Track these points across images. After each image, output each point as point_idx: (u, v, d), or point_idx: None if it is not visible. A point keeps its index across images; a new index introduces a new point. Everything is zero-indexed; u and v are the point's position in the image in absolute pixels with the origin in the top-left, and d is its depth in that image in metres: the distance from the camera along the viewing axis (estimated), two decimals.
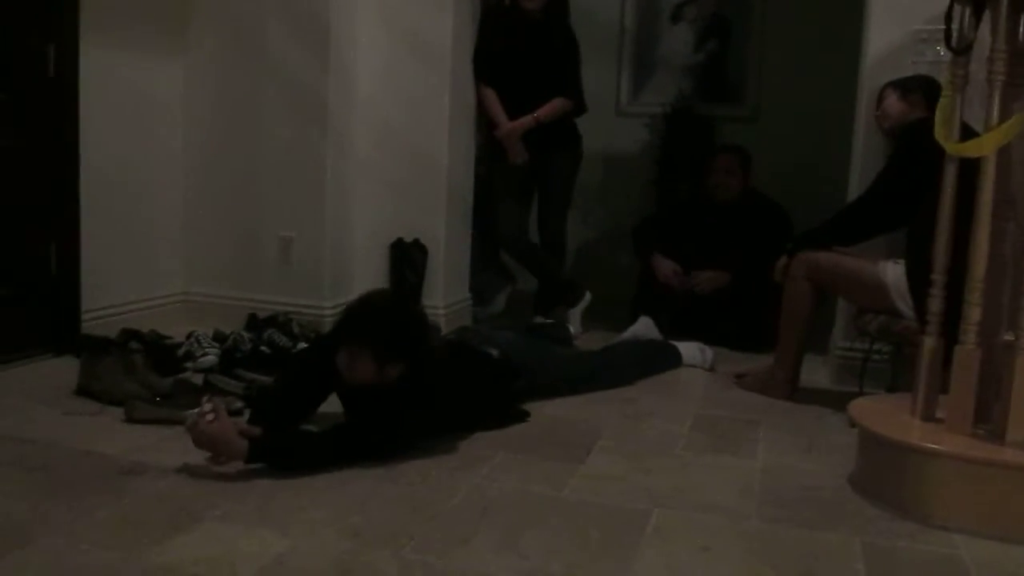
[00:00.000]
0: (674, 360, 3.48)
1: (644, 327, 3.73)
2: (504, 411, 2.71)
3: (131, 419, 2.55)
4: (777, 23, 4.96)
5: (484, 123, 4.04)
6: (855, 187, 3.26)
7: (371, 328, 2.37)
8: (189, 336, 3.15)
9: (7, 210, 3.09)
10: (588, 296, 4.10)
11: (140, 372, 2.74)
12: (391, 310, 2.51)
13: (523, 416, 2.74)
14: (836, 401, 2.99)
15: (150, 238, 3.71)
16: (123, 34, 3.45)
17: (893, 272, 2.81)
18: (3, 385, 2.91)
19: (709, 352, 3.53)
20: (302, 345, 3.18)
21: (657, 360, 3.43)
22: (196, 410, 2.17)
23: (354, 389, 2.43)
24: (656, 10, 5.28)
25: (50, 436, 2.43)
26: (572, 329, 3.75)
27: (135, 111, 3.57)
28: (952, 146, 2.21)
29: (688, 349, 3.51)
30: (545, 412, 2.83)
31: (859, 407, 2.40)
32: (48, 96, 3.17)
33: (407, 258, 3.73)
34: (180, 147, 3.81)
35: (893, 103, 3.00)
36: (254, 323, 3.33)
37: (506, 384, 2.74)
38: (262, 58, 3.68)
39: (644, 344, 3.59)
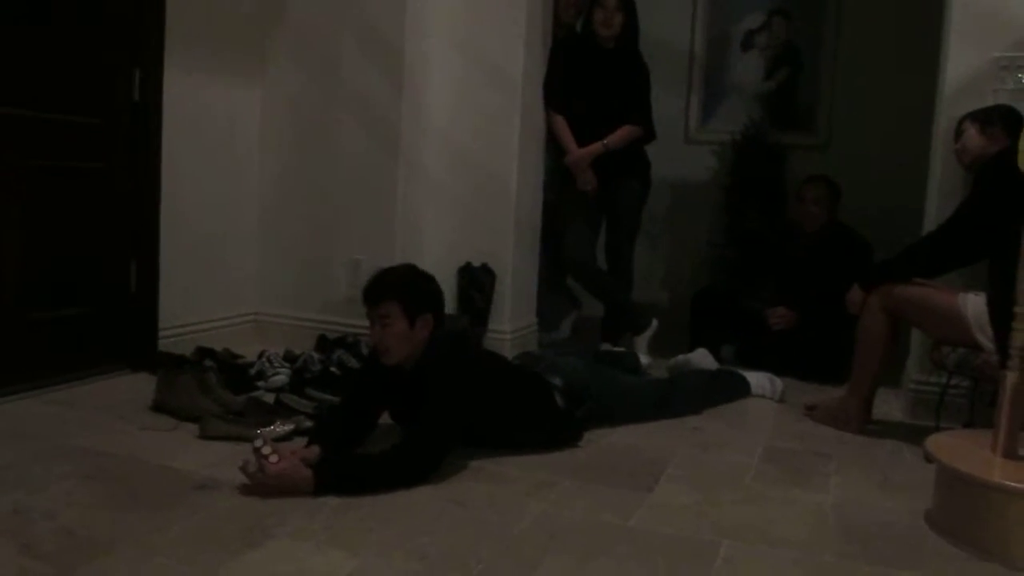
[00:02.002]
0: (742, 390, 3.43)
1: (699, 358, 3.70)
2: (557, 432, 2.69)
3: (205, 435, 2.60)
4: (849, 50, 4.90)
5: (554, 149, 4.05)
6: (931, 218, 3.19)
7: (391, 283, 2.44)
8: (261, 355, 3.21)
9: (91, 229, 3.20)
10: (655, 324, 4.07)
11: (214, 390, 2.79)
12: (402, 267, 2.57)
13: (575, 440, 2.72)
14: (910, 435, 2.92)
15: (224, 259, 3.80)
16: (205, 59, 3.55)
17: (974, 305, 2.73)
18: (83, 399, 2.99)
19: (779, 383, 3.48)
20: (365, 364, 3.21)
21: (725, 389, 3.39)
22: (253, 458, 2.17)
23: (398, 398, 2.46)
24: (726, 38, 5.26)
25: (128, 450, 2.49)
26: (641, 357, 3.72)
27: (214, 135, 3.68)
28: None
29: (757, 379, 3.47)
30: (611, 440, 2.82)
31: (937, 442, 2.34)
32: (132, 120, 3.28)
33: (475, 282, 3.75)
34: (255, 170, 3.90)
35: (973, 136, 2.93)
36: (324, 344, 3.38)
37: (548, 403, 2.71)
38: (337, 83, 3.76)
39: (712, 373, 3.55)
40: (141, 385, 3.09)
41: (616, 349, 3.83)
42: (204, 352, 3.12)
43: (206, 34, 3.56)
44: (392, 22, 3.68)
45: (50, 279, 3.07)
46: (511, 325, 3.83)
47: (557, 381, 2.76)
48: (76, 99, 3.10)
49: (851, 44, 4.90)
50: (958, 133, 3.00)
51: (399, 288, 2.42)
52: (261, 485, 2.17)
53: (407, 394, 2.41)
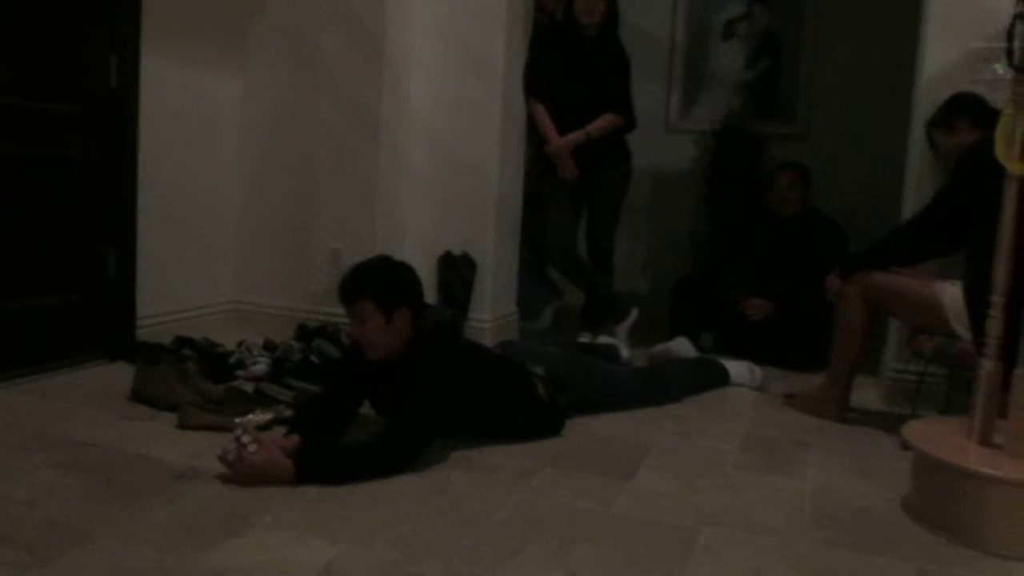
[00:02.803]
0: (722, 379, 3.45)
1: (679, 346, 3.72)
2: (537, 422, 2.70)
3: (184, 425, 2.59)
4: (829, 41, 4.91)
5: (534, 138, 4.04)
6: (909, 207, 3.22)
7: (363, 281, 2.42)
8: (240, 344, 3.20)
9: (68, 217, 3.17)
10: (635, 313, 4.09)
11: (193, 379, 2.78)
12: (376, 260, 2.54)
13: (557, 429, 2.73)
14: (887, 423, 2.95)
15: (203, 247, 3.78)
16: (183, 47, 3.52)
17: (951, 293, 2.76)
18: (60, 389, 2.97)
19: (758, 371, 3.50)
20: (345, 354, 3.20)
21: (705, 378, 3.41)
22: (233, 447, 2.17)
23: (378, 390, 2.46)
24: (707, 27, 5.26)
25: (106, 440, 2.48)
26: (621, 348, 3.73)
27: (193, 122, 3.65)
28: (1014, 165, 2.18)
29: (737, 368, 3.49)
30: (592, 428, 2.82)
31: (914, 430, 2.36)
32: (109, 106, 3.25)
33: (455, 271, 3.75)
34: (235, 158, 3.87)
35: (942, 141, 2.97)
36: (304, 333, 3.37)
37: (529, 392, 2.71)
38: (317, 72, 3.74)
39: (692, 362, 3.57)
40: (119, 374, 3.07)
41: (597, 340, 3.84)
42: (183, 341, 3.10)
43: (185, 20, 3.52)
44: (373, 10, 3.66)
45: (26, 267, 3.04)
46: (492, 314, 3.83)
47: (539, 370, 2.76)
48: (52, 86, 3.06)
49: (831, 34, 4.91)
50: (932, 145, 3.04)
51: (371, 285, 2.40)
52: (241, 474, 2.17)
53: (391, 385, 2.41)
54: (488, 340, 3.61)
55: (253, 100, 3.87)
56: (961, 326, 2.72)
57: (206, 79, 3.70)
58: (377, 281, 2.42)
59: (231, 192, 3.86)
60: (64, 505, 2.03)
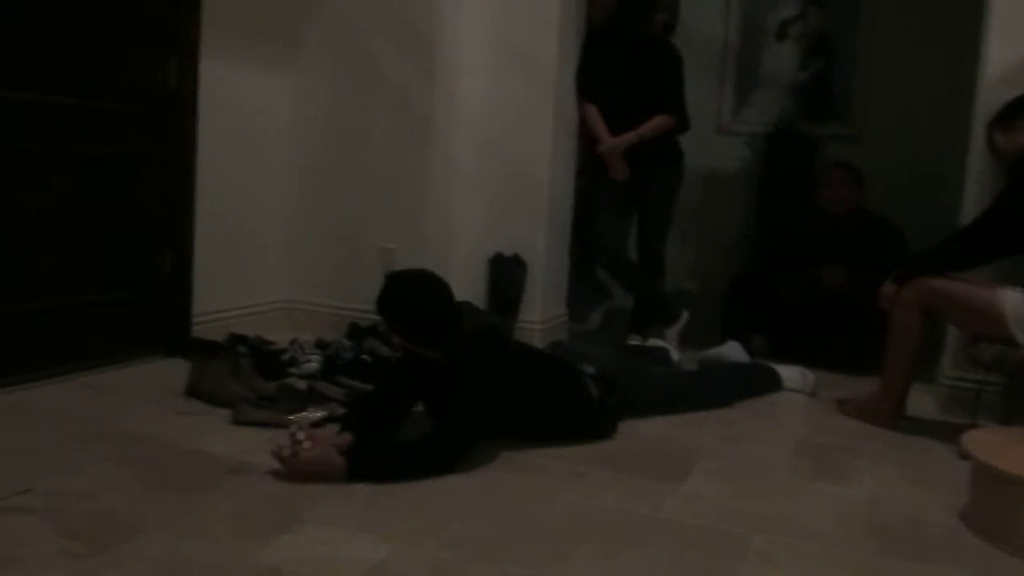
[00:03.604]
0: (773, 383, 3.41)
1: (730, 350, 3.69)
2: (589, 423, 2.69)
3: (238, 421, 2.63)
4: (884, 41, 4.83)
5: (585, 138, 4.03)
6: (970, 210, 3.14)
7: (379, 303, 2.48)
8: (292, 342, 3.23)
9: (127, 215, 3.23)
10: (685, 315, 4.06)
11: (246, 376, 2.81)
12: (387, 281, 2.56)
13: (607, 431, 2.72)
14: (944, 432, 2.89)
15: (257, 246, 3.82)
16: (240, 48, 3.57)
17: (1011, 300, 2.69)
18: (118, 384, 3.03)
19: (810, 376, 3.45)
20: (399, 354, 3.22)
21: (756, 382, 3.37)
22: (287, 443, 2.20)
23: (431, 390, 2.49)
24: (761, 27, 5.20)
25: (162, 434, 2.52)
26: (671, 350, 3.70)
27: (248, 123, 3.69)
28: None
29: (789, 373, 3.44)
30: (642, 431, 2.81)
31: (973, 439, 2.31)
32: (169, 107, 3.30)
33: (506, 272, 3.75)
34: (288, 159, 3.91)
35: (1001, 142, 2.91)
36: (355, 332, 3.39)
37: (581, 392, 2.70)
38: (369, 73, 3.77)
39: (743, 366, 3.53)
40: (174, 370, 3.11)
41: (647, 343, 3.81)
42: (237, 338, 3.14)
43: (241, 23, 3.57)
44: (425, 12, 3.68)
45: (87, 264, 3.10)
46: (541, 315, 3.82)
47: (590, 370, 2.75)
48: (114, 87, 3.12)
49: (886, 34, 4.83)
50: (990, 145, 2.98)
51: (379, 309, 2.50)
52: (294, 470, 2.19)
53: (439, 386, 2.42)
54: (537, 341, 3.61)
55: (306, 101, 3.91)
56: (1022, 333, 2.66)
57: (261, 80, 3.75)
58: (381, 299, 2.48)
59: (285, 192, 3.91)
60: (121, 497, 2.07)
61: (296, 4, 3.83)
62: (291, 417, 2.46)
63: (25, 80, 2.82)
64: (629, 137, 3.87)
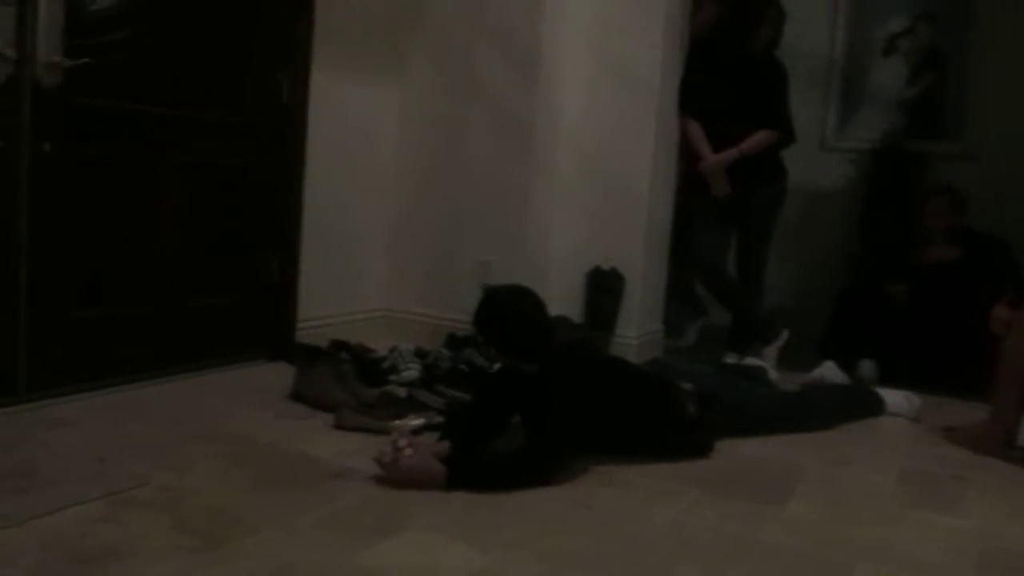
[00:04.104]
0: (876, 407, 3.32)
1: (829, 371, 3.60)
2: (685, 440, 2.67)
3: (340, 426, 2.69)
4: (997, 57, 4.67)
5: (685, 153, 4.01)
6: None
7: (475, 318, 2.54)
8: (392, 350, 3.29)
9: (238, 223, 3.35)
10: (784, 334, 3.99)
11: (348, 382, 2.88)
12: (485, 298, 2.61)
13: (705, 449, 2.69)
14: None
15: (360, 255, 3.92)
16: (348, 61, 3.66)
17: None
18: (225, 385, 3.14)
19: (916, 401, 3.35)
20: (498, 366, 3.25)
21: (859, 405, 3.29)
22: (388, 449, 2.24)
23: (526, 403, 2.51)
24: (868, 42, 5.09)
25: (267, 436, 2.60)
26: (769, 370, 3.64)
27: (354, 135, 3.79)
28: None
29: (893, 397, 3.34)
30: (739, 451, 2.77)
31: None
32: (279, 120, 3.42)
33: (604, 286, 3.75)
34: (391, 170, 3.99)
35: None
36: (453, 342, 3.43)
37: (678, 409, 2.69)
38: (472, 86, 3.83)
39: (846, 388, 3.45)
40: (278, 374, 3.21)
41: (744, 362, 3.75)
42: (339, 345, 3.21)
43: (350, 37, 3.66)
44: (528, 25, 3.71)
45: (198, 269, 3.22)
46: (638, 330, 3.81)
47: (688, 386, 2.73)
48: (228, 99, 3.24)
49: (999, 49, 4.67)
50: None
51: (475, 324, 2.55)
52: (394, 476, 2.23)
53: (534, 399, 2.44)
54: (633, 357, 3.59)
55: (410, 113, 3.99)
56: None
57: (367, 93, 3.84)
58: (478, 314, 2.53)
59: (387, 202, 3.99)
60: (230, 495, 2.14)
61: (402, 18, 3.91)
62: (392, 424, 2.50)
63: (145, 93, 2.95)
64: (731, 154, 3.84)
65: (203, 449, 2.44)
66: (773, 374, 3.66)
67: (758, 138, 3.85)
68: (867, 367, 3.85)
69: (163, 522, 1.95)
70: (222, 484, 2.21)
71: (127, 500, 2.06)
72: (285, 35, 3.39)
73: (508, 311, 2.51)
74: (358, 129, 3.82)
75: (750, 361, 3.78)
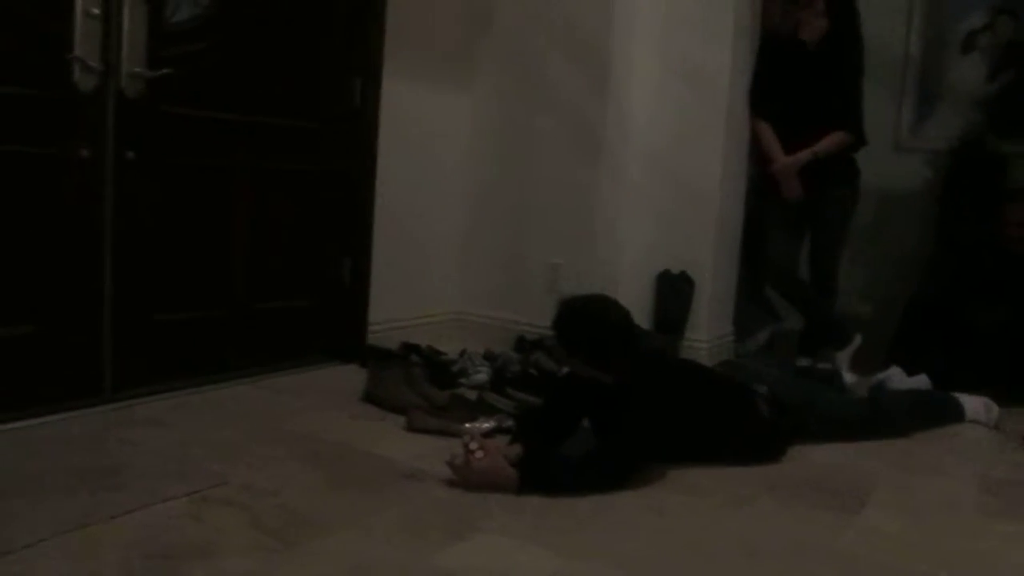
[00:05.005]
0: (955, 414, 3.23)
1: (895, 377, 3.51)
2: (759, 445, 2.64)
3: (412, 428, 2.72)
4: None
5: (756, 155, 3.96)
6: None
7: (557, 323, 2.49)
8: (462, 353, 3.32)
9: (310, 227, 3.41)
10: (858, 339, 3.92)
11: (419, 384, 2.91)
12: (570, 304, 2.55)
13: (777, 454, 2.66)
14: None
15: (430, 259, 3.95)
16: (419, 66, 3.70)
17: None
18: (299, 387, 3.20)
19: (995, 409, 3.25)
20: (566, 370, 3.25)
21: (937, 412, 3.21)
22: (460, 451, 2.26)
23: (595, 410, 2.50)
24: (944, 39, 4.96)
25: (340, 437, 2.64)
26: (844, 375, 3.57)
27: (425, 139, 3.83)
28: None
29: (972, 404, 3.25)
30: (813, 457, 2.72)
31: None
32: (352, 126, 3.47)
33: (674, 289, 3.73)
34: (461, 174, 4.02)
35: None
36: (522, 345, 3.45)
37: (752, 413, 2.66)
38: (542, 89, 3.84)
39: (924, 393, 3.37)
40: (350, 376, 3.26)
41: (819, 365, 3.69)
42: (410, 348, 3.26)
43: (420, 43, 3.70)
44: (598, 26, 3.71)
45: (271, 273, 3.29)
46: (708, 334, 3.77)
47: (762, 390, 2.70)
48: (303, 106, 3.31)
49: None
50: None
51: (557, 329, 2.50)
52: (466, 479, 2.25)
53: (608, 406, 2.43)
54: (704, 360, 3.56)
55: (480, 117, 4.02)
56: None
57: (438, 98, 3.87)
58: (561, 324, 2.49)
59: (458, 206, 4.02)
60: (306, 495, 2.18)
61: (471, 23, 3.94)
62: (463, 426, 2.53)
63: (222, 101, 3.03)
64: (804, 156, 3.77)
65: (278, 449, 2.49)
66: (849, 378, 3.58)
67: (832, 140, 3.77)
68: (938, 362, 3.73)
69: (241, 521, 2.00)
70: (297, 484, 2.25)
71: (207, 498, 2.11)
72: (357, 42, 3.44)
73: (597, 319, 2.49)
74: (429, 133, 3.86)
75: (823, 366, 3.72)
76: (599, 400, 2.48)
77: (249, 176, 3.16)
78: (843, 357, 3.86)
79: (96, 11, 2.57)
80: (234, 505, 2.08)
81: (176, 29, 2.85)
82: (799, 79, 3.83)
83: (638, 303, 3.72)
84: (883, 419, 3.03)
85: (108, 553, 1.81)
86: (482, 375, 3.14)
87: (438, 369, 3.10)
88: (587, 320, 2.48)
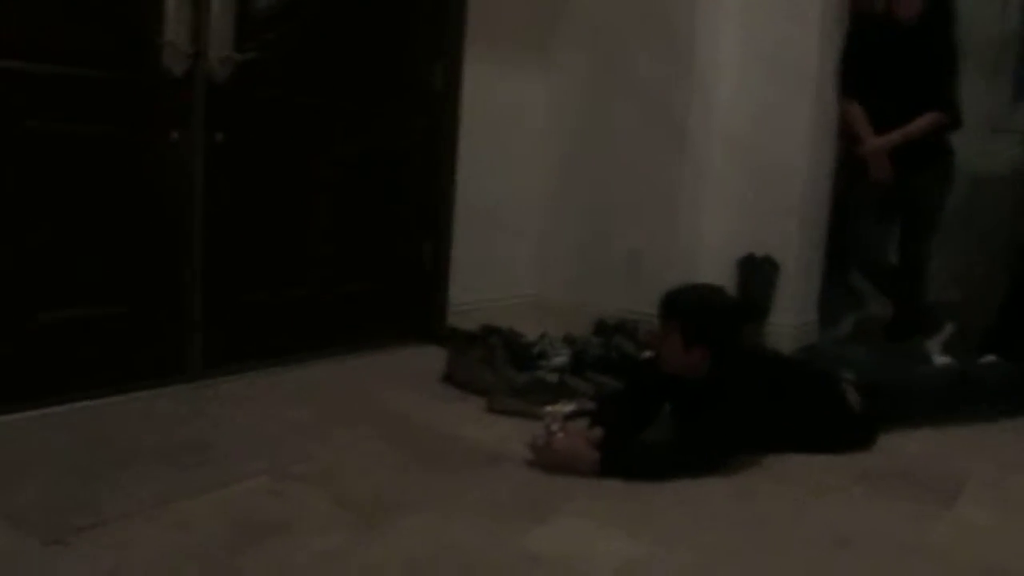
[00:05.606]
0: None
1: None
2: (847, 433, 2.58)
3: (492, 409, 2.73)
4: None
5: (846, 137, 3.85)
6: None
7: (681, 304, 2.44)
8: (542, 336, 3.30)
9: (392, 209, 3.43)
10: (949, 327, 3.79)
11: (500, 366, 2.91)
12: (705, 292, 2.55)
13: (867, 441, 2.59)
14: None
15: (511, 241, 3.96)
16: (499, 49, 3.69)
17: None
18: (380, 367, 3.23)
19: None
20: (647, 353, 3.21)
21: None
22: (542, 433, 2.26)
23: (679, 398, 2.47)
24: None
25: (422, 418, 2.67)
26: (936, 359, 3.45)
27: (505, 124, 3.83)
28: None
29: None
30: (903, 445, 2.64)
31: None
32: (433, 109, 3.48)
33: (758, 273, 3.65)
34: (541, 158, 4.01)
35: None
36: (602, 328, 3.42)
37: (839, 401, 2.60)
38: (623, 73, 3.79)
39: (1018, 369, 3.22)
40: (430, 357, 3.27)
41: (907, 344, 3.58)
42: (490, 330, 3.25)
43: (501, 25, 3.69)
44: (681, 9, 3.66)
45: (355, 256, 3.33)
46: (792, 319, 3.70)
47: (849, 375, 2.64)
48: (385, 89, 3.32)
49: None
50: None
51: (686, 312, 2.44)
52: (548, 460, 2.25)
53: (693, 394, 2.40)
54: (787, 345, 3.49)
55: (561, 100, 3.99)
56: None
57: (519, 80, 3.87)
58: (693, 311, 2.44)
59: (537, 189, 4.01)
60: (387, 475, 2.21)
61: (552, 7, 3.91)
62: (546, 408, 2.51)
63: (307, 85, 3.06)
64: (895, 137, 3.65)
65: (361, 428, 2.52)
66: (941, 362, 3.45)
67: (926, 121, 3.64)
68: None
69: (324, 498, 2.03)
70: (379, 463, 2.27)
71: (290, 475, 2.15)
72: (439, 25, 3.44)
73: (730, 310, 2.50)
74: (509, 116, 3.85)
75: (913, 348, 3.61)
76: (684, 387, 2.44)
77: (332, 158, 3.19)
78: (934, 345, 3.74)
79: None
80: (317, 483, 2.11)
81: (263, 14, 2.88)
82: (892, 58, 3.70)
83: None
84: (979, 403, 2.91)
85: (195, 527, 1.85)
86: (562, 358, 3.11)
87: (518, 351, 3.09)
88: (720, 310, 2.47)
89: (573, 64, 3.95)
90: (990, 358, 3.39)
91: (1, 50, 2.32)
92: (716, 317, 2.47)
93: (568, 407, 2.62)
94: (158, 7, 2.59)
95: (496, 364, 2.90)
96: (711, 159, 3.75)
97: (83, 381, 2.57)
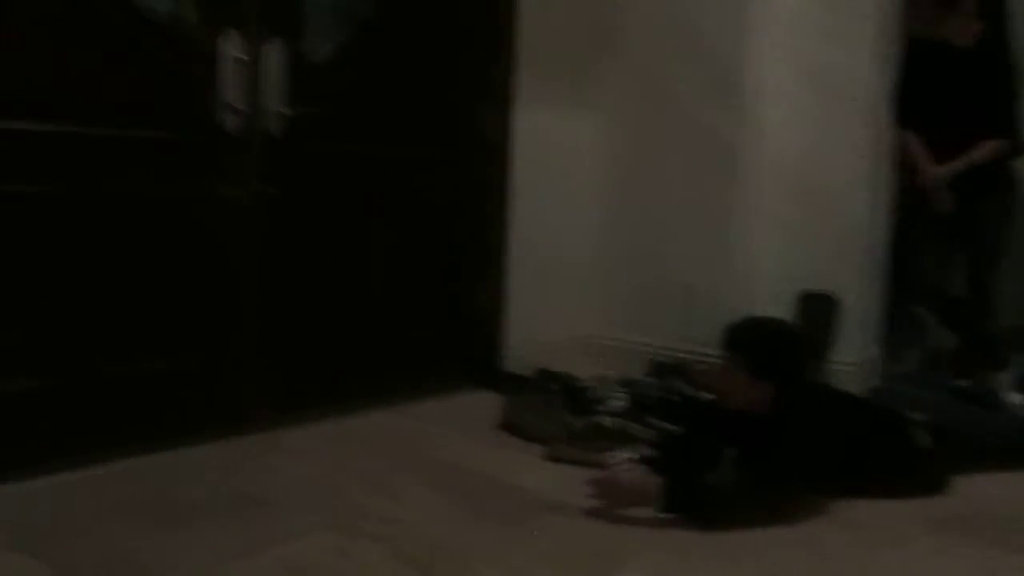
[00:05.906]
0: None
1: None
2: (918, 477, 2.50)
3: (551, 457, 2.70)
4: None
5: (904, 166, 3.77)
6: None
7: (748, 336, 2.40)
8: (599, 379, 3.27)
9: (446, 254, 3.45)
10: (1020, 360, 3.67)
11: (557, 412, 2.89)
12: (773, 327, 2.50)
13: (938, 486, 2.51)
14: None
15: (564, 283, 3.92)
16: (547, 91, 3.68)
17: None
18: (435, 414, 3.20)
19: None
20: (705, 394, 3.16)
21: None
22: (610, 464, 2.24)
23: (741, 439, 2.40)
24: None
25: (479, 466, 2.64)
26: (1008, 396, 3.34)
27: (555, 162, 3.79)
28: None
29: None
30: (977, 489, 2.54)
31: None
32: (484, 152, 3.50)
33: (816, 309, 3.58)
34: (593, 196, 3.98)
35: None
36: (659, 370, 3.38)
37: (907, 443, 2.53)
38: (674, 107, 3.76)
39: None
40: (486, 403, 3.24)
41: (979, 386, 3.47)
42: (547, 375, 3.23)
43: (550, 67, 3.67)
44: (729, 40, 3.62)
45: (410, 301, 3.34)
46: (854, 356, 3.61)
47: (919, 417, 2.57)
48: (437, 136, 3.37)
49: None
50: None
51: (752, 346, 2.41)
52: (611, 494, 2.21)
53: (754, 435, 2.35)
54: (850, 384, 3.40)
55: (609, 137, 3.96)
56: None
57: (566, 120, 3.83)
58: (759, 346, 2.41)
59: (588, 227, 3.98)
60: (447, 527, 2.19)
61: (600, 44, 3.90)
62: (603, 456, 2.48)
63: (359, 135, 3.10)
64: (956, 166, 3.58)
65: (418, 479, 2.50)
66: (1016, 399, 3.34)
67: (987, 149, 3.57)
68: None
69: (384, 553, 2.02)
70: (438, 516, 2.26)
71: (350, 529, 2.13)
72: (489, 71, 3.47)
73: (798, 343, 2.47)
74: (559, 156, 3.83)
75: (981, 387, 3.50)
76: (747, 426, 2.39)
77: (386, 206, 3.22)
78: (1003, 379, 3.62)
79: (242, 56, 2.68)
80: (377, 537, 2.10)
81: (315, 69, 2.94)
82: (949, 85, 3.63)
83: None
84: None
85: None
86: (620, 402, 3.08)
87: (575, 396, 3.06)
88: (787, 342, 2.43)
89: (623, 99, 3.93)
90: None
91: (61, 113, 2.41)
92: (783, 349, 2.43)
93: (627, 454, 2.59)
94: (212, 66, 2.65)
95: (554, 410, 2.88)
96: (765, 191, 3.69)
97: (146, 434, 2.60)
